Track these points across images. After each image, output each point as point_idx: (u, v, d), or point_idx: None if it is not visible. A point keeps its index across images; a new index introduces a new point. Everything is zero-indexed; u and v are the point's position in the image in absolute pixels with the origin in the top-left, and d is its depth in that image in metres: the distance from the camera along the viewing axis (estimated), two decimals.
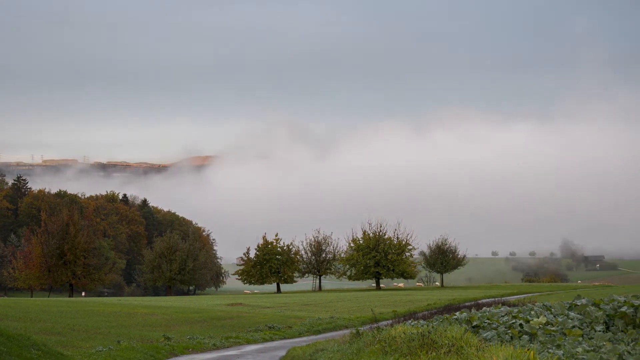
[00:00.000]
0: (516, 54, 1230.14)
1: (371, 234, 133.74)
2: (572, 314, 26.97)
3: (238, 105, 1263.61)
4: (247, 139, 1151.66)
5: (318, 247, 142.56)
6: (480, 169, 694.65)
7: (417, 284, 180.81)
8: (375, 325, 34.56)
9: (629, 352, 19.12)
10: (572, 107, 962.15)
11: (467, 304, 63.40)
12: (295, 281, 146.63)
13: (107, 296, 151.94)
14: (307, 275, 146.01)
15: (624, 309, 25.20)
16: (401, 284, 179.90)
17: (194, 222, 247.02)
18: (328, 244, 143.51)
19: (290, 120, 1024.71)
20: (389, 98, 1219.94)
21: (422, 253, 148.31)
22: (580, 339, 22.97)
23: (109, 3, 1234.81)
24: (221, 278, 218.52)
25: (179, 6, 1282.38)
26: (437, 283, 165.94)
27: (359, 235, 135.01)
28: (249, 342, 46.66)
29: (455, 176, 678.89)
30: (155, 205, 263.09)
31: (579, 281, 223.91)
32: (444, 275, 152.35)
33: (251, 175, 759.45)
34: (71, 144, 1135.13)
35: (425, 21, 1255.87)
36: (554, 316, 27.58)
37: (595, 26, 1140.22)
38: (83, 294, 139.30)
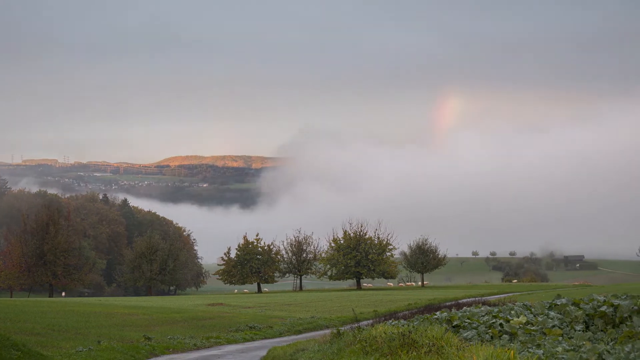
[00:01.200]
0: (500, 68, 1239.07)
1: (352, 234, 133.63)
2: (552, 313, 27.04)
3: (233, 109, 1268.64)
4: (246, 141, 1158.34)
5: (299, 247, 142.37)
6: (464, 170, 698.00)
7: (407, 283, 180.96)
8: (356, 325, 34.57)
9: (608, 352, 19.19)
10: (554, 114, 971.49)
11: (447, 303, 63.50)
12: (275, 281, 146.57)
13: (87, 296, 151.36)
14: (287, 275, 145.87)
15: (603, 308, 25.29)
16: (401, 284, 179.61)
17: (174, 223, 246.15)
18: (309, 243, 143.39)
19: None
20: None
21: (402, 253, 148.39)
22: (560, 338, 23.03)
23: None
24: (202, 278, 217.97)
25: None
26: (425, 282, 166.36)
27: (340, 235, 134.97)
28: (229, 342, 46.63)
29: (438, 177, 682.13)
30: (135, 205, 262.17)
31: (549, 281, 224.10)
32: (424, 274, 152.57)
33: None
34: (51, 144, 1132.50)
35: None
36: (534, 316, 27.66)
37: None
38: (63, 294, 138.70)
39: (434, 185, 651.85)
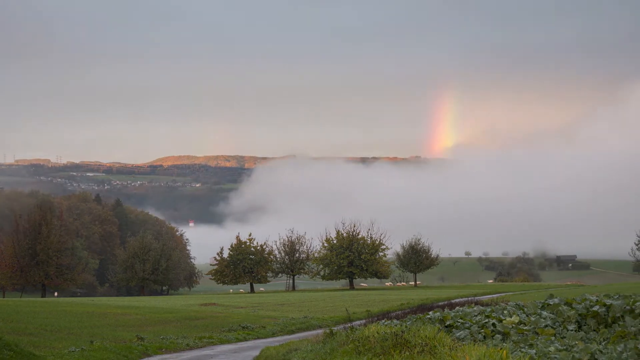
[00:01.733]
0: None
1: (345, 234, 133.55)
2: (544, 313, 27.05)
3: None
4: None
5: (291, 247, 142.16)
6: (458, 171, 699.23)
7: (398, 284, 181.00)
8: (348, 325, 34.57)
9: (600, 352, 19.22)
10: (549, 116, 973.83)
11: (440, 303, 63.58)
12: (268, 281, 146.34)
13: (80, 296, 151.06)
14: (280, 275, 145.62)
15: (596, 308, 25.32)
16: (398, 284, 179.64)
17: (167, 222, 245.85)
18: (301, 243, 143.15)
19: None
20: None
21: (395, 253, 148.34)
22: (553, 338, 23.05)
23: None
24: (194, 278, 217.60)
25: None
26: (419, 282, 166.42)
27: (333, 235, 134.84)
28: (222, 342, 46.59)
29: (433, 177, 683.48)
30: (128, 205, 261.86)
31: (542, 281, 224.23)
32: (417, 274, 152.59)
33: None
34: (44, 144, 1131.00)
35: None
36: (527, 315, 27.67)
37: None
38: (55, 294, 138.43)
39: (428, 186, 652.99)
